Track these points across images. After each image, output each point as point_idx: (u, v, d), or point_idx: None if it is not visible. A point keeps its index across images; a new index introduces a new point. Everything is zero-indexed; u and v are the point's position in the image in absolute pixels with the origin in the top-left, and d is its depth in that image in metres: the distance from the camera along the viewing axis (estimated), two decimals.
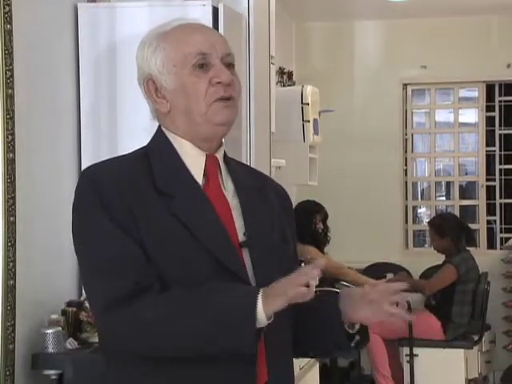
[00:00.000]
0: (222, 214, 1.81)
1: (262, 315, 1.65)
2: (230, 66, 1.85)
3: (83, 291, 3.32)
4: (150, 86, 1.86)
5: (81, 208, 1.80)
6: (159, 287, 1.71)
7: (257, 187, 1.93)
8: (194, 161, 1.84)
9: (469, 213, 7.50)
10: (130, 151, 1.91)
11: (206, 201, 1.81)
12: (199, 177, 1.84)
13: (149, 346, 1.71)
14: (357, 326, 1.88)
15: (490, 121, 7.38)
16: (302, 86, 5.72)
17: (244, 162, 3.47)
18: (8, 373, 2.82)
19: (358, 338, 1.88)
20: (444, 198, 7.76)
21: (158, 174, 1.80)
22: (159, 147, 1.87)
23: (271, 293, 1.66)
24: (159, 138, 1.88)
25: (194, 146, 1.85)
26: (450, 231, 5.98)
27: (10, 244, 2.82)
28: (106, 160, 1.89)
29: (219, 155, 1.89)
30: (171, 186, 1.80)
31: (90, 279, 1.78)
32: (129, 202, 1.75)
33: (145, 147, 1.90)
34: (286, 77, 6.70)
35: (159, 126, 1.90)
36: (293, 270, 1.91)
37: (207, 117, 1.81)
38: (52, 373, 2.96)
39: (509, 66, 7.14)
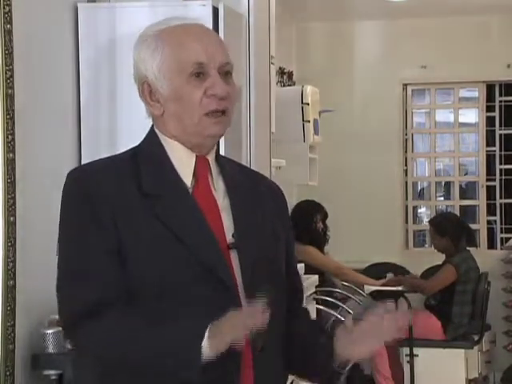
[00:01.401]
0: (210, 216, 1.80)
1: (208, 352, 1.64)
2: (227, 74, 1.83)
3: None
4: (145, 88, 1.85)
5: (62, 211, 1.80)
6: (122, 304, 1.72)
7: (249, 187, 1.91)
8: (183, 162, 1.84)
9: (469, 213, 7.50)
10: (122, 151, 1.91)
11: (191, 202, 1.80)
12: (188, 178, 1.83)
13: (103, 364, 1.74)
14: (348, 366, 1.88)
15: (490, 121, 7.38)
16: (302, 86, 5.72)
17: (244, 162, 3.47)
18: (8, 373, 2.82)
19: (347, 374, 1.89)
20: (444, 198, 7.76)
21: (144, 176, 1.80)
22: (149, 147, 1.86)
23: (218, 334, 1.63)
24: (150, 138, 1.88)
25: (184, 147, 1.84)
26: (450, 230, 5.98)
27: (9, 244, 2.82)
28: (93, 161, 1.89)
29: (210, 156, 1.88)
30: (157, 187, 1.79)
31: (59, 287, 1.79)
32: (111, 204, 1.75)
33: (135, 147, 1.89)
34: (286, 77, 6.70)
35: (152, 126, 1.90)
36: (287, 271, 1.92)
37: (197, 129, 1.81)
38: (52, 373, 2.96)
39: (509, 66, 7.14)
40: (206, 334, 1.63)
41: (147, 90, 1.85)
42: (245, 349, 1.71)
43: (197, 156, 1.85)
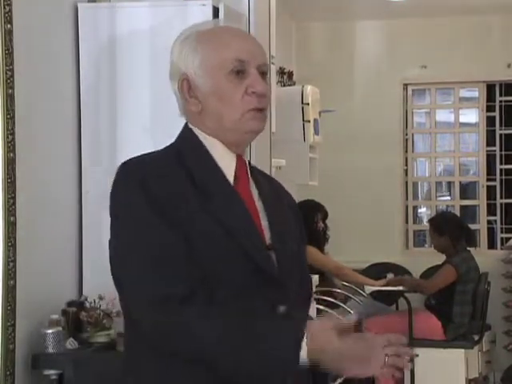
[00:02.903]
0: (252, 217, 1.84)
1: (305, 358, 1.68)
2: (263, 75, 1.86)
3: (83, 291, 3.32)
4: (184, 85, 1.85)
5: (125, 201, 1.79)
6: (204, 293, 1.71)
7: (274, 192, 1.96)
8: (226, 161, 1.86)
9: (469, 213, 7.50)
10: (158, 149, 1.89)
11: (240, 202, 1.83)
12: (230, 178, 1.85)
13: (188, 353, 1.72)
14: (338, 381, 1.89)
15: (490, 121, 7.38)
16: (303, 86, 5.72)
17: None
18: (8, 373, 2.83)
19: None
20: (444, 198, 7.75)
21: (194, 172, 1.81)
22: (190, 146, 1.87)
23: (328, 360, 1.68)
24: (188, 136, 1.88)
25: (223, 145, 1.86)
26: (449, 230, 5.98)
27: (10, 244, 2.82)
28: (142, 155, 1.88)
29: (246, 159, 1.91)
30: (208, 184, 1.81)
31: (136, 273, 1.74)
32: (171, 196, 1.75)
33: (173, 146, 1.89)
34: (286, 77, 6.69)
35: (186, 124, 1.90)
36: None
37: (238, 125, 1.83)
38: (52, 373, 2.96)
39: (509, 65, 7.14)
40: (304, 346, 1.66)
41: (186, 87, 1.85)
42: None
43: (237, 156, 1.87)
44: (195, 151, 1.85)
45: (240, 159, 1.88)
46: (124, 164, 1.83)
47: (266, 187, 1.93)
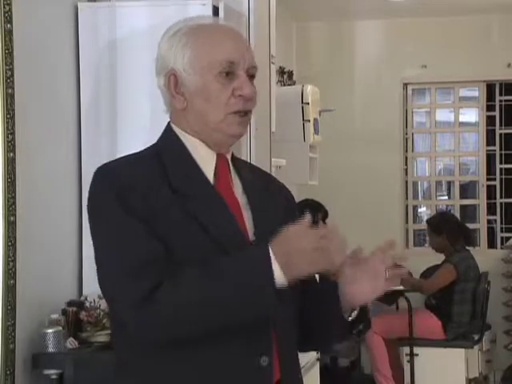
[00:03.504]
0: (234, 213, 1.82)
1: (281, 277, 1.68)
2: (252, 77, 1.87)
3: (83, 291, 3.32)
4: (172, 81, 1.85)
5: (100, 206, 1.79)
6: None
7: (263, 185, 1.95)
8: (205, 160, 1.85)
9: (469, 212, 7.50)
10: (141, 149, 1.89)
11: (220, 200, 1.82)
12: (210, 176, 1.85)
13: (180, 330, 1.71)
14: (354, 313, 1.90)
15: (490, 120, 7.39)
16: (303, 86, 5.71)
17: None
18: (8, 372, 2.82)
19: (360, 327, 1.91)
20: (444, 198, 7.76)
21: (171, 173, 1.80)
22: (170, 145, 1.87)
23: (292, 262, 1.68)
24: (169, 135, 1.88)
25: (204, 145, 1.86)
26: (447, 229, 5.99)
27: (10, 244, 2.81)
28: (119, 158, 1.88)
29: (228, 155, 1.90)
30: (185, 184, 1.80)
31: (117, 277, 1.74)
32: (146, 199, 1.75)
33: (154, 145, 1.89)
34: (286, 76, 6.70)
35: (168, 124, 1.90)
36: None
37: (221, 126, 1.83)
38: (52, 372, 2.96)
39: (509, 65, 7.14)
40: (274, 260, 1.67)
41: (173, 83, 1.85)
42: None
43: (217, 154, 1.87)
44: (175, 151, 1.85)
45: (221, 157, 1.87)
46: (99, 170, 1.83)
47: (253, 181, 1.92)
